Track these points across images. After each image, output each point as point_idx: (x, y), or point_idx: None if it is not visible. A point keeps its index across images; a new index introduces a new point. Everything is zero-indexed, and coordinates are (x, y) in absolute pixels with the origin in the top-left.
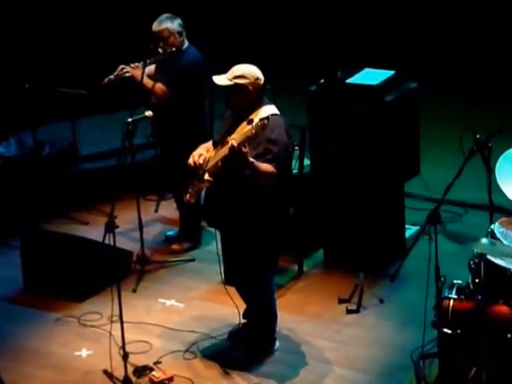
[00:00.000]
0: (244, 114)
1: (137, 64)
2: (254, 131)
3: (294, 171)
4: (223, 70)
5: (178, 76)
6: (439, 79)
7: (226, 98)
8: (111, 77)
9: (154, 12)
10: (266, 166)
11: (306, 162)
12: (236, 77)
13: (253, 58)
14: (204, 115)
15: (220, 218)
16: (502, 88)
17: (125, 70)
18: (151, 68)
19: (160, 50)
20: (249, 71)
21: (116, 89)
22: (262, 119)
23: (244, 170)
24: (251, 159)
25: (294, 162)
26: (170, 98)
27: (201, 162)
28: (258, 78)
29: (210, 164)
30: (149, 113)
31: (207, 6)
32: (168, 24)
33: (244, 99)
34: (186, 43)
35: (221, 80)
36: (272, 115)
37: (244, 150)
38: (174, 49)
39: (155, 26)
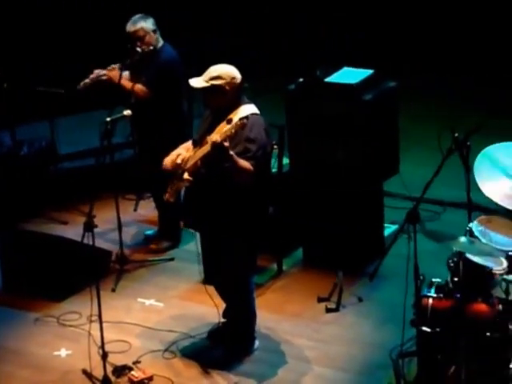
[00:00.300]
0: (223, 114)
1: (113, 66)
2: (233, 130)
3: (273, 170)
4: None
5: (156, 75)
6: (417, 78)
7: (204, 99)
8: (87, 81)
9: (128, 13)
10: (245, 163)
11: (285, 161)
12: (212, 78)
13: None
14: (183, 114)
15: (199, 218)
16: (480, 87)
17: (101, 73)
18: (127, 73)
19: (139, 49)
20: (225, 71)
21: (93, 91)
22: (241, 118)
23: (224, 165)
24: (231, 152)
25: (272, 161)
26: (150, 97)
27: (179, 161)
28: (234, 78)
29: (190, 163)
30: (127, 112)
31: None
32: (142, 23)
33: (222, 99)
34: (161, 42)
35: (197, 82)
36: (251, 114)
37: (226, 144)
38: (151, 47)
39: (130, 27)
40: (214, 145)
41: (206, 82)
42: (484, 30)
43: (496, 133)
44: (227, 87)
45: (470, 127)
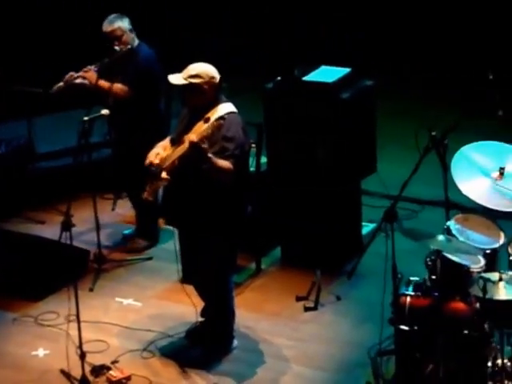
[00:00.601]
0: (200, 112)
1: (89, 67)
2: (210, 131)
3: (251, 169)
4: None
5: (136, 74)
6: (394, 77)
7: (183, 97)
8: (61, 84)
9: (104, 12)
10: (224, 162)
11: (263, 159)
12: (191, 76)
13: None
14: (161, 113)
15: (177, 216)
16: (456, 86)
17: (75, 76)
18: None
19: (117, 48)
20: (203, 70)
21: (66, 94)
22: (218, 119)
23: (202, 166)
24: (210, 154)
25: (250, 159)
26: (130, 96)
27: (157, 161)
28: (212, 77)
29: (168, 162)
30: (105, 111)
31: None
32: (119, 23)
33: (200, 98)
34: (137, 41)
35: (176, 79)
36: (229, 113)
37: (203, 145)
38: (129, 46)
39: (106, 27)
40: (192, 144)
41: (185, 79)
42: (460, 30)
43: (472, 132)
44: (205, 86)
45: (447, 126)
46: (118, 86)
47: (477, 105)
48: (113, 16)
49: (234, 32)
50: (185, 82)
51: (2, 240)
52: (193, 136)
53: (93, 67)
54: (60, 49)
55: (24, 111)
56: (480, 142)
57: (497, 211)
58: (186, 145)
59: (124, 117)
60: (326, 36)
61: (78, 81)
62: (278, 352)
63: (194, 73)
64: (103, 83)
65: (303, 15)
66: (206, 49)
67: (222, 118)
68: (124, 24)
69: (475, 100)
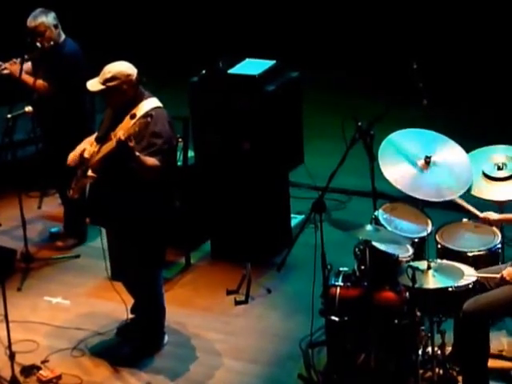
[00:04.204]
0: (125, 110)
1: (15, 60)
2: (136, 129)
3: (179, 163)
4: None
5: (58, 70)
6: (319, 68)
7: (104, 100)
8: None
9: (30, 7)
10: (151, 160)
11: (190, 153)
12: (107, 80)
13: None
14: (86, 108)
15: (104, 214)
16: (381, 75)
17: (2, 67)
18: (29, 64)
19: (38, 44)
20: (118, 71)
21: None
22: (144, 116)
23: (129, 164)
24: (137, 153)
25: (178, 153)
26: (53, 92)
27: (86, 155)
28: (129, 75)
29: (94, 160)
30: (28, 108)
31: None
32: (43, 18)
33: (120, 98)
34: (63, 36)
35: (93, 86)
36: (154, 109)
37: (130, 144)
38: (52, 43)
39: (30, 22)
40: (119, 143)
41: (102, 84)
42: (384, 19)
43: (397, 121)
44: (124, 86)
45: (373, 116)
46: (40, 82)
47: (402, 94)
48: (38, 11)
49: (157, 24)
50: (102, 87)
51: None
52: (120, 133)
53: (18, 60)
54: None
55: None
56: (406, 130)
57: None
58: (113, 142)
59: (48, 113)
60: (249, 28)
61: (6, 72)
62: (210, 346)
63: (109, 76)
64: (27, 78)
65: (227, 7)
66: (128, 43)
67: (148, 114)
68: (48, 19)
69: (400, 89)
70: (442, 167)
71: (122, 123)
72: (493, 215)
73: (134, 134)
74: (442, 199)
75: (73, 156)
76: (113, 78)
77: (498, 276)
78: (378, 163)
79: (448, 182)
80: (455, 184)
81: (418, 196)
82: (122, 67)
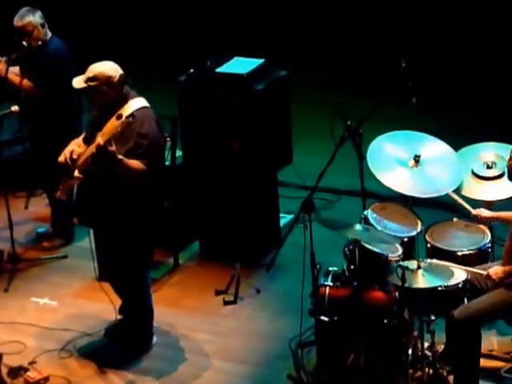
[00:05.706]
0: (110, 111)
1: (0, 59)
2: (119, 129)
3: (167, 163)
4: None
5: (44, 69)
6: (307, 67)
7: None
8: None
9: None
10: (136, 163)
11: (179, 153)
12: (88, 79)
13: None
14: (72, 108)
15: (92, 215)
16: (370, 73)
17: None
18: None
19: (25, 43)
20: (99, 71)
21: None
22: (127, 116)
23: (113, 169)
24: (120, 157)
25: (166, 153)
26: (39, 92)
27: (74, 156)
28: (109, 77)
29: (80, 161)
30: (15, 108)
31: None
32: (30, 17)
33: (102, 98)
34: (49, 34)
35: (78, 83)
36: (140, 109)
37: (110, 148)
38: (39, 42)
39: (17, 21)
40: (98, 148)
41: (85, 82)
42: (372, 17)
43: (386, 120)
44: (104, 87)
45: (362, 115)
46: (26, 82)
47: (390, 92)
48: (24, 10)
49: (145, 23)
50: (84, 85)
51: None
52: (99, 138)
53: (4, 59)
54: None
55: None
56: (391, 133)
57: (413, 198)
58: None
59: (35, 112)
60: (237, 26)
61: None
62: (199, 347)
63: (91, 75)
64: (14, 77)
65: (215, 6)
66: (116, 42)
67: (131, 115)
68: (35, 19)
69: (389, 88)
70: (431, 163)
71: (108, 124)
72: (485, 212)
73: (117, 134)
74: (439, 194)
75: (63, 156)
76: (93, 78)
77: (484, 273)
78: (367, 163)
79: (441, 175)
80: (448, 177)
81: (418, 195)
82: (105, 68)
